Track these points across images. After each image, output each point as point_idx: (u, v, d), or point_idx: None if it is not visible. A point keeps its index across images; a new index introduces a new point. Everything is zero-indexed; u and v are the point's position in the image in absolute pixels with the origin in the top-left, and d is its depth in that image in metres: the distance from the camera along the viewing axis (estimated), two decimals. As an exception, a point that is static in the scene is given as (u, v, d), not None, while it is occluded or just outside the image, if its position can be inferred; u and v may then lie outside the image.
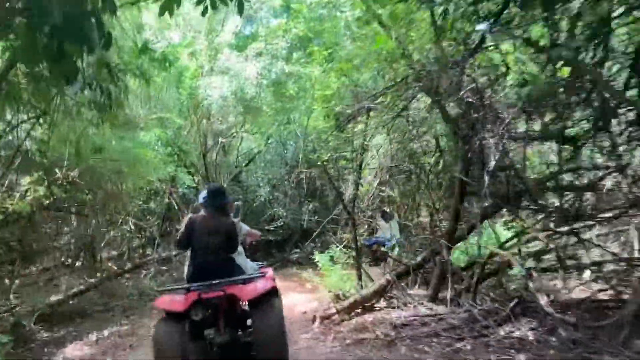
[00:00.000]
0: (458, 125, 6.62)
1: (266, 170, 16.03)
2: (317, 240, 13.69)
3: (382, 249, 11.33)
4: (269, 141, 15.62)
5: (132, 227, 13.39)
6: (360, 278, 8.43)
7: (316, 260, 9.56)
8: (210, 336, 4.66)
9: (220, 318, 4.68)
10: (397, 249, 10.81)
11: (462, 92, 6.04)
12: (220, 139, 13.09)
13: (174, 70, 10.73)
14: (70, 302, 9.39)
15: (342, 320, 6.89)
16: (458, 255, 8.03)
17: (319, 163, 8.79)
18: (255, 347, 4.53)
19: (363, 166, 8.71)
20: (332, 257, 9.61)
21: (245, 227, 6.05)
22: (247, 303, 4.76)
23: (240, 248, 5.34)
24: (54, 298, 9.17)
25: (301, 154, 15.05)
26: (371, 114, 8.05)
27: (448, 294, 6.75)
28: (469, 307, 6.35)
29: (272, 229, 14.90)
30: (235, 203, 5.93)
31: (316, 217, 15.70)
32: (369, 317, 6.90)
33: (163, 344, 4.35)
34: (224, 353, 4.70)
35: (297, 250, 14.63)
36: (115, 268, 11.99)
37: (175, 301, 4.51)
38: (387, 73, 7.29)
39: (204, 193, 5.15)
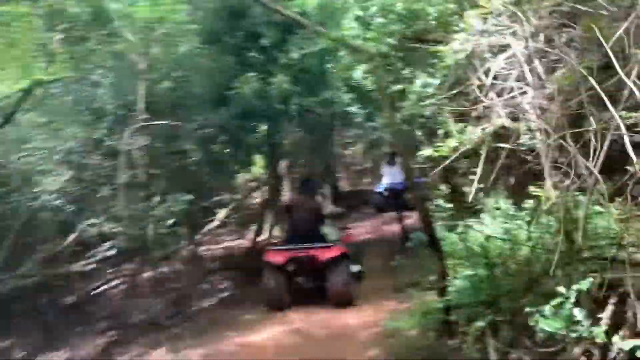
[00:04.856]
0: None
1: (49, 132, 7.10)
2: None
3: None
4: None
5: None
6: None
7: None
8: (299, 282, 6.99)
9: (307, 270, 6.85)
10: None
11: None
12: None
13: None
14: None
15: None
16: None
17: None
18: (328, 292, 6.72)
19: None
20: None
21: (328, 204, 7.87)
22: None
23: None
24: None
25: (143, 87, 6.61)
26: None
27: None
28: None
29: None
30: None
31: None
32: None
33: (269, 284, 6.78)
34: (307, 294, 6.95)
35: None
36: None
37: (277, 256, 6.84)
38: None
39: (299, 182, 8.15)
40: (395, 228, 10.36)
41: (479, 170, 2.52)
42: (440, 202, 5.70)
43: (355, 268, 7.10)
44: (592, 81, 1.89)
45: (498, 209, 5.21)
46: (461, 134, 2.78)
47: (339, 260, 6.66)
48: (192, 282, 8.29)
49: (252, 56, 7.27)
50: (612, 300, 3.28)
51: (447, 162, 2.67)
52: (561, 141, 2.10)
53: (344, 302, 6.65)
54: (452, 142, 2.72)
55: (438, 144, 2.73)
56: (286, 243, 7.21)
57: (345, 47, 4.26)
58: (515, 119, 2.71)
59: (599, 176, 1.87)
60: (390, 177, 10.61)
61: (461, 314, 4.52)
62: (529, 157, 3.25)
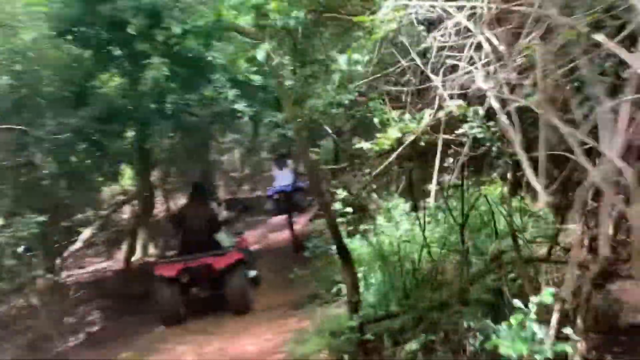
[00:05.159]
0: None
1: None
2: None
3: None
4: None
5: None
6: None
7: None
8: (194, 292, 6.89)
9: (201, 280, 6.70)
10: None
11: None
12: None
13: None
14: None
15: None
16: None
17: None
18: (226, 300, 6.58)
19: None
20: None
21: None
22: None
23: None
24: None
25: None
26: None
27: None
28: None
29: None
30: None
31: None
32: None
33: (163, 299, 6.50)
34: (204, 304, 6.86)
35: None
36: None
37: (169, 269, 6.53)
38: None
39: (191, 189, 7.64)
40: (284, 235, 9.80)
41: (436, 164, 1.97)
42: (338, 206, 5.20)
43: (251, 273, 7.05)
44: (602, 38, 1.41)
45: (409, 211, 4.83)
46: (400, 123, 2.21)
47: (235, 267, 6.54)
48: (53, 318, 6.97)
49: (117, 48, 6.21)
50: (557, 306, 2.96)
51: (393, 156, 2.09)
52: (553, 120, 1.60)
53: (243, 308, 6.57)
54: (394, 133, 2.14)
55: (378, 136, 2.14)
56: (178, 254, 6.99)
57: (232, 29, 3.51)
58: (468, 102, 2.19)
59: (621, 162, 1.40)
60: (280, 180, 10.27)
61: (380, 331, 4.02)
62: (464, 149, 2.81)
